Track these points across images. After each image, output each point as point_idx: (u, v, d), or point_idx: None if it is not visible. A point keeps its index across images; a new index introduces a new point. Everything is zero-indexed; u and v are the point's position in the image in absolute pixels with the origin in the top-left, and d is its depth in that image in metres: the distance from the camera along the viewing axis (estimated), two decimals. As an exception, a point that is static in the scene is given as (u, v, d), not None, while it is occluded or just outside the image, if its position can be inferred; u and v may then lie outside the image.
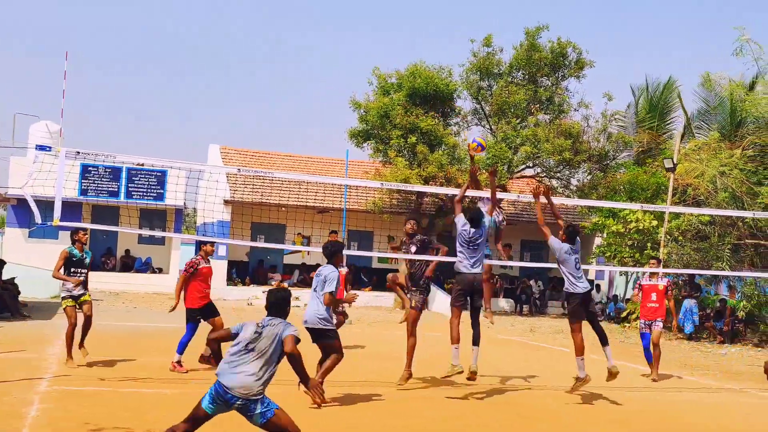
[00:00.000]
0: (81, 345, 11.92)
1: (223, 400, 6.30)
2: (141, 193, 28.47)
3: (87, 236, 12.38)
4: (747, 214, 18.19)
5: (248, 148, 33.43)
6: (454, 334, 10.61)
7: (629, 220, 24.11)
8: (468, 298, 10.92)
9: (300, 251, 29.52)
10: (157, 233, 28.52)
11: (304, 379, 6.61)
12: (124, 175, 28.26)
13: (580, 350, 10.72)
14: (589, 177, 28.43)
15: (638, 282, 14.51)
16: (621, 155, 29.55)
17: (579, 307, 10.91)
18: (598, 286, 30.82)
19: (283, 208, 28.70)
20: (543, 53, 27.28)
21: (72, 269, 11.86)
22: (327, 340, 9.66)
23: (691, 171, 22.79)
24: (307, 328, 9.56)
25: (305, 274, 29.13)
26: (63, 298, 11.84)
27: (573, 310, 10.99)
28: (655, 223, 23.60)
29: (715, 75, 23.80)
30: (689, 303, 22.24)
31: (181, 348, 11.68)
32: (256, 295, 26.62)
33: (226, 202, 28.23)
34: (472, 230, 11.18)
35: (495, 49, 28.03)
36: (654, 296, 13.80)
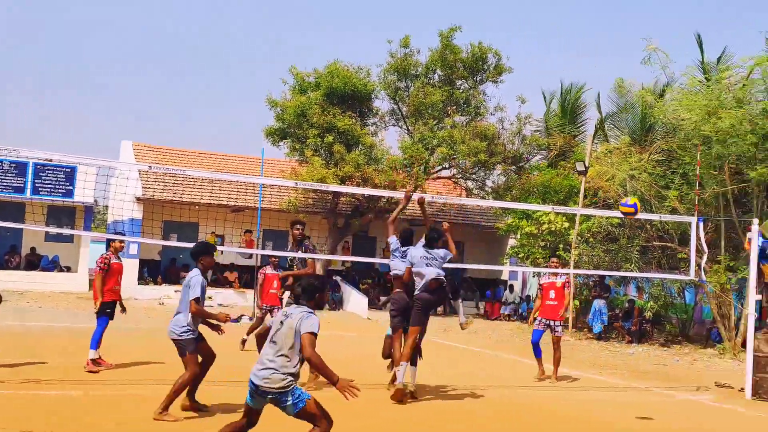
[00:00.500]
0: None
1: (257, 394, 6.42)
2: (48, 190, 27.62)
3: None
4: (654, 217, 18.62)
5: (162, 145, 32.79)
6: (396, 356, 10.53)
7: (542, 221, 24.49)
8: (404, 317, 10.74)
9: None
10: (65, 231, 27.66)
11: (329, 378, 6.31)
12: (30, 170, 27.35)
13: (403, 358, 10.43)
14: (504, 179, 28.80)
15: (539, 282, 14.27)
16: (535, 158, 30.07)
17: (418, 312, 10.60)
18: (511, 287, 31.21)
19: (197, 207, 28.25)
20: (458, 55, 27.50)
21: None
22: (180, 352, 8.88)
23: (602, 174, 23.26)
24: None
25: (218, 274, 28.72)
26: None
27: (414, 314, 10.62)
28: (567, 224, 24.03)
29: (627, 81, 24.35)
30: (599, 303, 22.73)
31: (95, 343, 11.42)
32: (168, 294, 26.12)
33: (138, 199, 27.61)
34: (404, 249, 11.12)
35: (413, 50, 28.19)
36: (552, 294, 13.54)
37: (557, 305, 13.48)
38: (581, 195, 23.25)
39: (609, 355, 19.05)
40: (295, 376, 6.43)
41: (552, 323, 13.44)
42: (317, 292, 6.68)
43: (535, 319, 13.85)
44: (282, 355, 6.41)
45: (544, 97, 33.21)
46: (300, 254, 11.10)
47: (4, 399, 9.11)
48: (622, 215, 13.55)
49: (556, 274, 13.78)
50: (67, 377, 10.73)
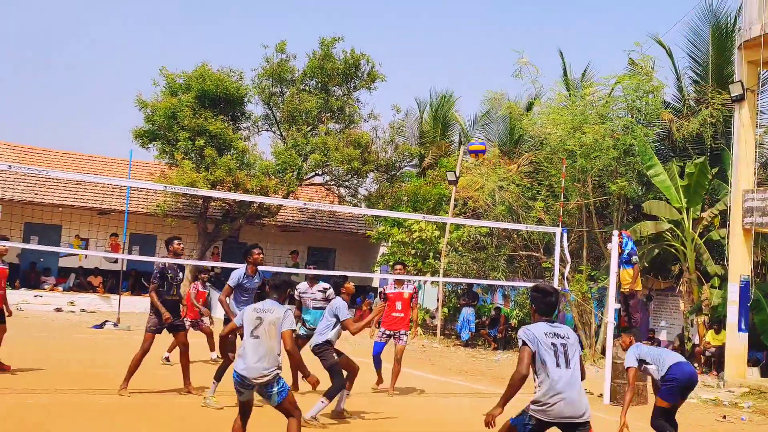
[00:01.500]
0: None
1: (243, 386, 6.96)
2: None
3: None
4: (521, 227, 19.16)
5: (23, 144, 31.42)
6: None
7: (413, 229, 24.77)
8: None
9: (77, 254, 28.04)
10: None
11: (304, 371, 7.31)
12: None
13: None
14: (376, 186, 28.99)
15: (382, 290, 13.39)
16: (406, 166, 30.40)
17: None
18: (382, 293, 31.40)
19: (60, 209, 27.20)
20: (336, 63, 27.52)
21: None
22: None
23: (471, 184, 23.73)
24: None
25: (82, 278, 27.72)
26: None
27: None
28: (437, 233, 24.39)
29: (497, 93, 24.94)
30: (467, 311, 23.18)
31: None
32: (27, 299, 24.99)
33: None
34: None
35: (288, 55, 28.00)
36: (399, 305, 12.69)
37: (403, 317, 12.68)
38: (451, 204, 23.66)
39: (475, 361, 19.42)
40: (280, 367, 7.01)
41: (396, 333, 12.59)
42: (288, 288, 7.40)
43: (378, 329, 12.95)
44: (266, 347, 6.96)
45: (418, 106, 33.70)
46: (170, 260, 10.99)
47: None
48: (473, 154, 13.28)
49: (402, 283, 12.92)
50: None
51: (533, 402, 6.28)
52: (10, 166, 13.06)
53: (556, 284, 13.77)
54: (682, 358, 9.31)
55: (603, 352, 17.12)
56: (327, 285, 12.20)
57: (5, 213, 26.17)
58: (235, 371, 7.00)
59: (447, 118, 32.41)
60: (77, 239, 27.45)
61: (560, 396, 6.12)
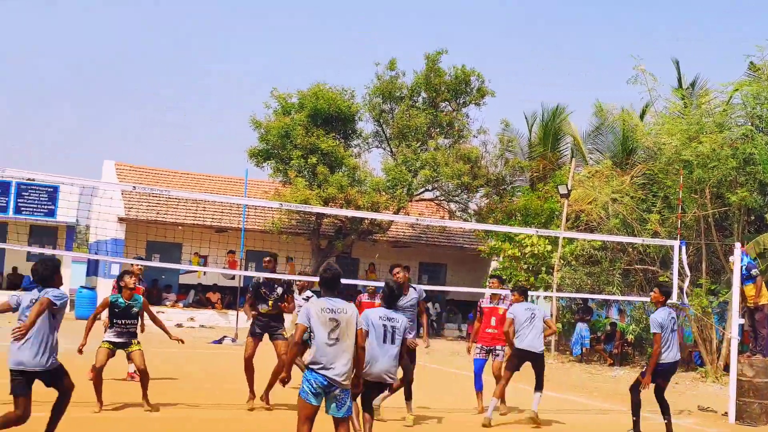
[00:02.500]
0: (144, 396, 10.42)
1: (326, 391, 6.73)
2: (31, 209, 27.50)
3: (136, 278, 11.13)
4: (637, 240, 18.75)
5: (145, 165, 32.72)
6: None
7: (525, 244, 24.55)
8: None
9: (196, 271, 28.96)
10: (47, 250, 27.39)
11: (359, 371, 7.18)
12: (13, 189, 27.24)
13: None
14: (486, 201, 28.91)
15: (478, 303, 12.91)
16: (516, 180, 30.20)
17: None
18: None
19: (180, 227, 28.17)
20: (443, 78, 27.65)
21: (115, 320, 10.42)
22: None
23: (584, 197, 23.39)
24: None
25: (201, 294, 28.60)
26: (103, 341, 10.46)
27: None
28: (549, 247, 24.10)
29: (608, 104, 24.54)
30: (581, 326, 22.81)
31: None
32: (150, 315, 25.93)
33: (120, 219, 27.52)
34: None
35: (398, 72, 28.30)
36: (494, 321, 12.13)
37: (497, 334, 12.03)
38: (564, 217, 23.35)
39: (591, 377, 19.10)
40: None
41: (493, 349, 12.14)
42: (340, 283, 7.12)
43: (475, 345, 12.53)
44: (350, 350, 6.85)
45: (527, 120, 33.41)
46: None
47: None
48: None
49: (498, 298, 12.41)
50: (40, 399, 10.64)
51: None
52: (134, 186, 13.72)
53: (674, 298, 13.42)
54: None
55: (726, 368, 16.57)
56: (311, 293, 13.11)
57: (130, 232, 27.29)
58: (321, 375, 6.69)
59: (557, 131, 32.04)
60: (196, 257, 28.35)
61: None
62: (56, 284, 8.01)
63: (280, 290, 11.19)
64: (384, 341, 8.07)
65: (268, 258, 11.60)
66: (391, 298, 8.38)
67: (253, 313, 11.08)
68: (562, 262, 23.34)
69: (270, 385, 10.92)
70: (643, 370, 10.64)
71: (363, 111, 28.39)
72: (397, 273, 10.57)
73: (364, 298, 12.97)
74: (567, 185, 23.34)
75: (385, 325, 8.11)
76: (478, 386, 12.13)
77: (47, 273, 7.97)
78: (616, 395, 15.58)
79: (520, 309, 11.10)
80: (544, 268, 24.28)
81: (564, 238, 23.17)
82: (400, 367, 8.71)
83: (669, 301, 10.96)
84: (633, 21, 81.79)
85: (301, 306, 12.40)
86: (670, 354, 10.47)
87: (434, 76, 27.59)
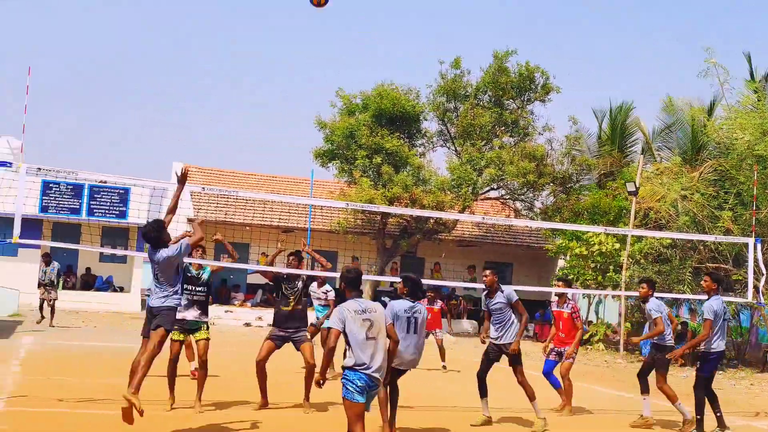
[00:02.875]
0: (199, 398, 10.23)
1: (372, 388, 7.13)
2: (103, 211, 28.14)
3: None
4: (709, 238, 18.38)
5: (212, 167, 33.23)
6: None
7: (592, 242, 24.25)
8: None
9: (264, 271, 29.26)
10: (119, 251, 28.12)
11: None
12: (86, 192, 27.93)
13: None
14: (552, 199, 28.62)
15: (550, 306, 12.91)
16: (584, 178, 29.82)
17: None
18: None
19: (248, 228, 28.53)
20: (510, 77, 27.46)
21: (185, 286, 10.26)
22: None
23: (652, 194, 23.02)
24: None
25: (268, 294, 28.89)
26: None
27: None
28: (617, 246, 23.77)
29: (677, 99, 24.11)
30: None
31: None
32: (218, 314, 26.29)
33: (189, 220, 27.97)
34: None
35: (463, 71, 28.18)
36: (561, 325, 12.20)
37: (565, 337, 12.13)
38: (632, 215, 22.99)
39: (662, 378, 18.72)
40: None
41: (563, 350, 12.15)
42: (361, 282, 7.56)
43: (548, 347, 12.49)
44: (383, 346, 7.23)
45: (596, 116, 32.96)
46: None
47: (62, 417, 9.29)
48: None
49: (564, 302, 12.29)
50: (120, 397, 10.87)
51: None
52: (203, 188, 13.92)
53: (750, 297, 13.12)
54: None
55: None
56: (330, 288, 14.64)
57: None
58: (364, 374, 7.04)
59: (625, 127, 31.54)
60: (264, 257, 28.64)
61: None
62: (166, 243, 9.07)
63: (300, 284, 11.14)
64: (408, 331, 8.74)
65: (292, 256, 11.57)
66: (414, 289, 9.03)
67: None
68: (630, 260, 22.99)
69: (307, 389, 10.59)
70: (697, 362, 10.52)
71: (427, 110, 28.35)
72: (486, 275, 10.72)
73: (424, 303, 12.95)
74: (635, 182, 22.97)
75: (408, 317, 8.79)
76: (555, 384, 12.07)
77: (154, 234, 9.06)
78: (687, 396, 15.27)
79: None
80: (612, 267, 23.95)
81: (632, 236, 22.82)
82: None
83: (744, 300, 10.80)
84: (701, 13, 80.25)
85: (320, 299, 14.13)
86: (722, 343, 10.58)
87: (501, 74, 27.40)
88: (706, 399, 10.54)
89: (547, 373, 12.12)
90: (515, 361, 10.49)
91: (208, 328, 10.52)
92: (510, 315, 10.57)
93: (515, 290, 10.79)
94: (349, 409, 7.02)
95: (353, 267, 7.69)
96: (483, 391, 10.57)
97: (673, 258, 22.64)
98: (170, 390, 10.24)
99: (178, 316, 9.62)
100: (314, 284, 13.96)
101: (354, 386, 6.99)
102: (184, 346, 10.75)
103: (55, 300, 21.25)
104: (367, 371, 7.02)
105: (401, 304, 8.91)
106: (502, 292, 10.63)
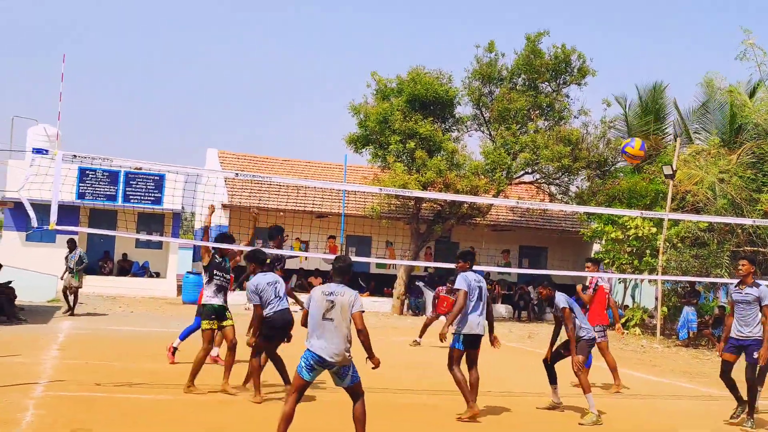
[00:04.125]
0: (226, 378, 10.52)
1: (322, 367, 7.31)
2: (139, 197, 28.41)
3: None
4: (747, 221, 18.12)
5: (246, 153, 33.37)
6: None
7: (628, 226, 24.03)
8: None
9: (298, 256, 29.44)
10: (155, 237, 28.44)
11: (370, 353, 7.42)
12: (121, 179, 28.20)
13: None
14: (588, 183, 28.37)
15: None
16: (619, 161, 29.52)
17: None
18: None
19: (281, 213, 28.63)
20: (544, 59, 27.20)
21: (215, 272, 10.96)
22: None
23: (690, 178, 22.75)
24: None
25: (303, 279, 29.03)
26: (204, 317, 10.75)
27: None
28: (654, 230, 23.53)
29: (716, 79, 23.69)
30: (688, 310, 22.18)
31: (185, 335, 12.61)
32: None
33: (224, 206, 28.17)
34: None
35: (497, 54, 27.94)
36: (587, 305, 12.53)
37: (593, 316, 12.31)
38: (669, 199, 22.73)
39: (699, 363, 18.59)
40: (349, 349, 7.35)
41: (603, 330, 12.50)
42: (351, 271, 7.72)
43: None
44: (343, 329, 7.28)
45: (626, 99, 32.60)
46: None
47: (99, 401, 9.40)
48: (626, 156, 12.53)
49: (594, 281, 12.70)
50: (158, 382, 11.01)
51: None
52: (237, 173, 13.98)
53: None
54: None
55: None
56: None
57: (233, 218, 27.93)
58: (312, 352, 7.27)
59: (659, 109, 31.14)
60: (298, 242, 28.76)
61: None
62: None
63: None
64: (478, 299, 9.76)
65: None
66: (473, 261, 10.22)
67: None
68: (667, 244, 22.75)
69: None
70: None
71: (461, 95, 28.15)
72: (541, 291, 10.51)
73: (443, 291, 13.20)
74: (672, 165, 22.70)
75: (479, 286, 9.84)
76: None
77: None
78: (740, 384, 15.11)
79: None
80: (648, 251, 23.72)
81: (669, 220, 22.58)
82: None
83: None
84: (740, -6, 78.95)
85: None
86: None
87: (535, 57, 27.16)
88: (731, 384, 10.37)
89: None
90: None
91: (231, 316, 11.04)
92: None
93: (552, 275, 10.87)
94: (294, 380, 7.47)
95: (343, 256, 7.84)
96: (552, 378, 10.65)
97: (710, 242, 22.37)
98: (192, 377, 10.33)
99: (211, 302, 10.68)
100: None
101: (304, 362, 7.32)
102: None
103: (76, 288, 20.60)
104: (313, 349, 7.27)
105: (471, 275, 9.86)
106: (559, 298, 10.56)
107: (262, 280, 10.17)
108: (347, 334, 7.29)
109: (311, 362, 7.28)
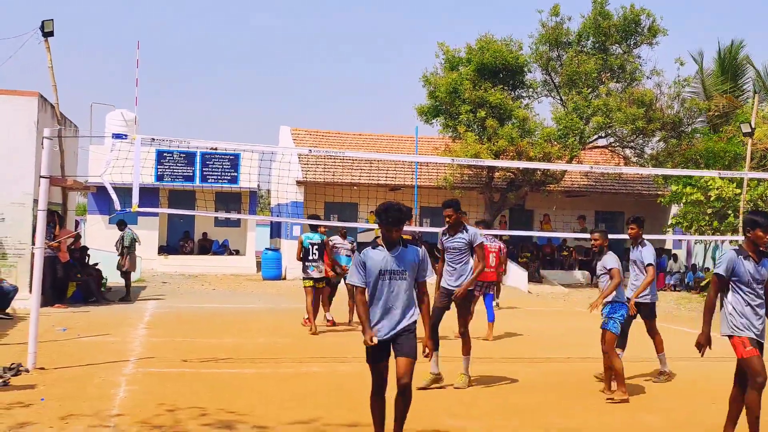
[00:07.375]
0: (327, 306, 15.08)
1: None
2: (215, 177, 28.99)
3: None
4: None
5: (318, 129, 33.67)
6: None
7: (710, 187, 23.51)
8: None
9: (373, 229, 29.65)
10: (233, 215, 28.95)
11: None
12: (198, 159, 28.80)
13: None
14: (663, 145, 27.83)
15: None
16: (695, 121, 28.86)
17: None
18: (675, 256, 30.25)
19: (355, 187, 28.85)
20: (612, 20, 26.70)
21: (316, 247, 14.36)
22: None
23: (770, 135, 22.16)
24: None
25: (380, 251, 29.23)
26: (303, 278, 14.40)
27: None
28: (738, 191, 22.96)
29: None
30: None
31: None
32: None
33: (298, 182, 28.52)
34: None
35: (563, 18, 27.52)
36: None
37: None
38: (748, 157, 22.18)
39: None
40: None
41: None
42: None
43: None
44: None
45: (702, 55, 31.79)
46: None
47: (186, 377, 9.74)
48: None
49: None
50: (241, 356, 11.33)
51: None
52: (310, 150, 14.19)
53: None
54: None
55: None
56: (353, 239, 16.71)
57: (308, 193, 28.28)
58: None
59: (736, 67, 30.30)
60: (372, 215, 28.97)
61: None
62: None
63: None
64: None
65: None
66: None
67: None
68: (750, 205, 22.23)
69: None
70: None
71: (530, 61, 27.83)
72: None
73: (338, 241, 15.61)
74: (750, 123, 22.12)
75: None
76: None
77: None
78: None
79: None
80: (731, 212, 23.20)
81: (752, 180, 22.04)
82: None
83: None
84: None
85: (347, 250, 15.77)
86: None
87: (602, 19, 26.67)
88: None
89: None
90: (649, 316, 10.99)
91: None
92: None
93: (623, 239, 10.68)
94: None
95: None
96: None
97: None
98: (313, 317, 13.93)
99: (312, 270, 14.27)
100: (336, 237, 15.86)
101: None
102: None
103: (127, 270, 19.73)
104: None
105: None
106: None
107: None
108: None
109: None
